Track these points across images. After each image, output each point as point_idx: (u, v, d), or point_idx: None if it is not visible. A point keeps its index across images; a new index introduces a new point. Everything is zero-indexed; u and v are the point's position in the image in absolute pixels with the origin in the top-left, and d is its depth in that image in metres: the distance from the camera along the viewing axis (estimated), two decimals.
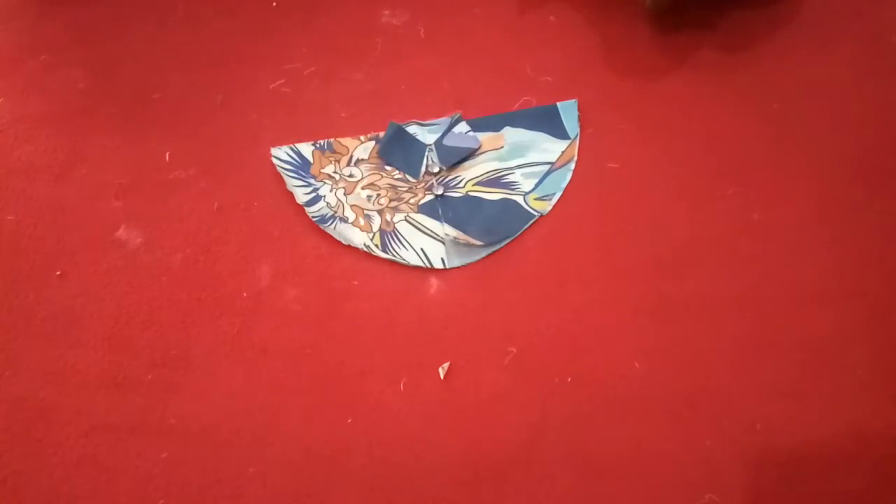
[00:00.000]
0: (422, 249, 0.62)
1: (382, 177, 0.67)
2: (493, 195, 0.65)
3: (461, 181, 0.66)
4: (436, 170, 0.66)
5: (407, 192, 0.66)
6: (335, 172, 0.67)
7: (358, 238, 0.63)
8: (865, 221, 0.60)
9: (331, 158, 0.68)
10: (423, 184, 0.66)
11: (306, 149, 0.68)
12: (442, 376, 0.56)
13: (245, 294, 0.61)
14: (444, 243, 0.62)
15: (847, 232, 0.60)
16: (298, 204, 0.65)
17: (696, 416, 0.53)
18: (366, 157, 0.68)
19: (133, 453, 0.55)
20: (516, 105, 0.69)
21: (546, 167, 0.66)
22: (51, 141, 0.70)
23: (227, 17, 0.77)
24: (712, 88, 0.68)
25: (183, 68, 0.74)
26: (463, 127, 0.68)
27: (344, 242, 0.63)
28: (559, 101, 0.69)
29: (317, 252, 0.63)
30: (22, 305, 0.61)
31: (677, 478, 0.51)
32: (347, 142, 0.69)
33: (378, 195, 0.66)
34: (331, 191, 0.66)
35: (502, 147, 0.67)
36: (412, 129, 0.68)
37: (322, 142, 0.68)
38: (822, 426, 0.52)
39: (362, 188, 0.66)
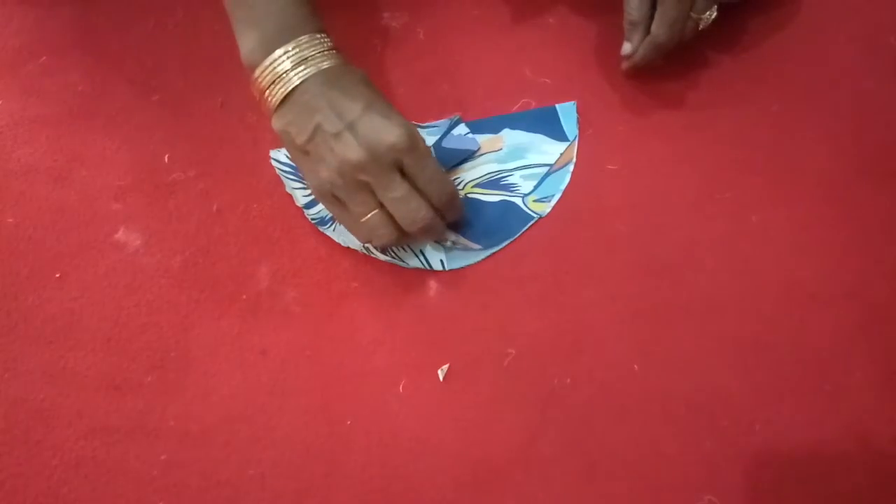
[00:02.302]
0: (421, 251, 0.62)
1: None
2: (492, 197, 0.65)
3: (460, 183, 0.66)
4: None
5: None
6: None
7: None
8: (864, 222, 0.60)
9: None
10: None
11: None
12: (441, 378, 0.56)
13: (244, 296, 0.61)
14: (443, 245, 0.62)
15: (846, 233, 0.60)
16: (298, 206, 0.65)
17: (695, 418, 0.53)
18: None
19: (132, 455, 0.55)
20: (515, 107, 0.69)
21: (545, 169, 0.66)
22: (50, 143, 0.70)
23: (227, 18, 0.77)
24: (711, 90, 0.68)
25: (182, 70, 0.74)
26: (462, 129, 0.68)
27: (343, 244, 0.63)
28: (558, 102, 0.69)
29: (316, 254, 0.63)
30: (21, 307, 0.61)
31: (676, 479, 0.52)
32: None
33: None
34: None
35: (501, 149, 0.67)
36: None
37: None
38: (821, 427, 0.53)
39: None
